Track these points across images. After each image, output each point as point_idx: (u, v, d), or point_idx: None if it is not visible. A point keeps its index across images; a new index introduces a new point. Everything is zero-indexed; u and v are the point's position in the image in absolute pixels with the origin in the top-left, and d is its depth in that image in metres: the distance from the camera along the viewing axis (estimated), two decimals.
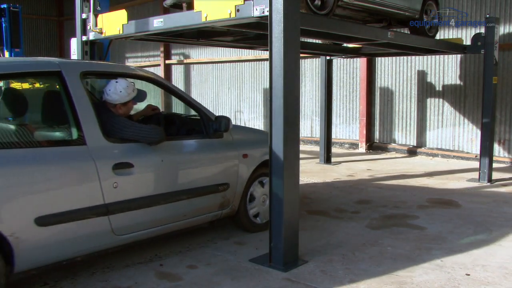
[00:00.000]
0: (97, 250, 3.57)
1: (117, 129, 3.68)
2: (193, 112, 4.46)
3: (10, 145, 3.16)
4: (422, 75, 9.67)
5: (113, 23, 5.30)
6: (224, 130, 4.23)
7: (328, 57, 9.17)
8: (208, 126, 4.26)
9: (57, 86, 3.53)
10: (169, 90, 4.38)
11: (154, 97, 11.33)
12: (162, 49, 14.35)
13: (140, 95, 4.10)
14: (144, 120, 4.39)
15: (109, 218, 3.47)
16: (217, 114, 4.38)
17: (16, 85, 3.95)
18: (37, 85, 4.26)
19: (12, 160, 3.05)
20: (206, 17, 4.30)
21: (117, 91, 3.85)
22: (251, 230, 4.68)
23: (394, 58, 9.88)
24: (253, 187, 4.63)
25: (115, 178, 3.48)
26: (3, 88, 3.82)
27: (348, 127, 10.83)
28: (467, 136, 9.14)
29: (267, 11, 3.70)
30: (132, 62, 15.45)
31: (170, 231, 4.07)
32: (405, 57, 9.69)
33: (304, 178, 7.28)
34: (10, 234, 2.95)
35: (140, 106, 4.45)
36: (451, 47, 7.32)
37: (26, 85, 3.97)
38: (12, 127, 3.50)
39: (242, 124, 12.14)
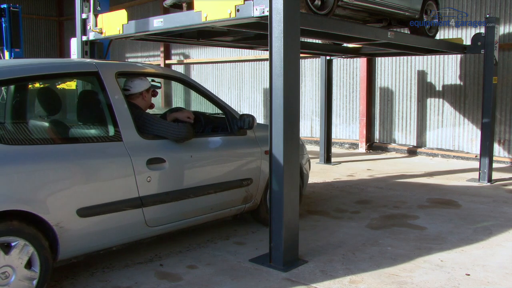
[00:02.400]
0: (131, 240, 3.81)
1: (147, 125, 3.86)
2: (216, 110, 4.65)
3: (54, 141, 3.43)
4: (422, 75, 9.67)
5: (113, 23, 5.30)
6: (249, 127, 4.41)
7: (328, 57, 9.17)
8: (233, 124, 4.46)
9: (95, 86, 3.75)
10: (196, 89, 4.53)
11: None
12: (162, 49, 14.36)
13: (155, 85, 4.33)
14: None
15: (143, 210, 3.66)
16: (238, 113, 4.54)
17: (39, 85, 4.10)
18: (62, 85, 4.41)
19: (56, 155, 3.27)
20: (206, 17, 4.30)
21: (133, 83, 4.04)
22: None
23: (394, 58, 9.88)
24: None
25: (148, 172, 3.68)
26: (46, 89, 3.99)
27: (348, 127, 10.83)
28: (467, 136, 9.14)
29: (267, 11, 3.70)
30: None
31: (197, 223, 4.27)
32: (405, 57, 9.69)
33: None
34: (56, 224, 3.17)
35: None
36: (451, 47, 7.32)
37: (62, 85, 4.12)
38: (56, 124, 3.82)
39: None
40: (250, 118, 4.40)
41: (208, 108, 4.71)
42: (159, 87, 4.46)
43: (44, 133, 3.55)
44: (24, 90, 3.93)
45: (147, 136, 3.78)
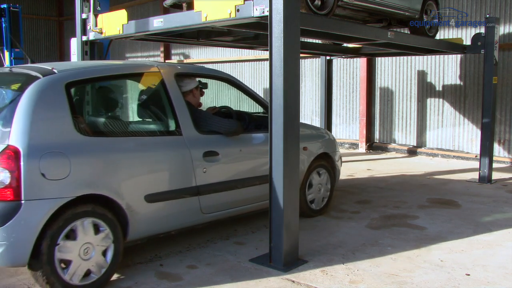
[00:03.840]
0: (187, 226, 4.14)
1: (202, 121, 4.24)
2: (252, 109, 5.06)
3: (126, 134, 3.84)
4: (422, 75, 9.67)
5: (113, 23, 5.30)
6: None
7: (328, 57, 9.18)
8: None
9: (157, 86, 4.12)
10: (243, 89, 4.84)
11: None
12: (162, 49, 14.36)
13: (204, 85, 4.74)
14: (220, 116, 4.82)
15: (199, 198, 4.04)
16: None
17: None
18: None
19: (128, 147, 3.68)
20: (206, 17, 4.31)
21: (184, 81, 4.34)
22: (308, 215, 5.16)
23: (394, 58, 9.88)
24: (312, 176, 5.15)
25: (204, 164, 4.07)
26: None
27: (348, 127, 10.83)
28: (467, 136, 9.14)
29: (267, 11, 3.70)
30: None
31: (244, 212, 4.62)
32: (405, 57, 9.69)
33: None
34: (127, 208, 3.55)
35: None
36: (451, 47, 7.32)
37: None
38: (126, 119, 4.40)
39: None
40: None
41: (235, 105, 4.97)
42: (206, 87, 4.79)
43: (117, 127, 3.97)
44: (100, 88, 4.31)
45: (202, 131, 4.16)
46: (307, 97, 11.26)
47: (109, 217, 3.45)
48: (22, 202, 3.09)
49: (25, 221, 3.08)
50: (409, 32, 6.93)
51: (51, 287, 3.20)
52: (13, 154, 3.10)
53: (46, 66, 3.71)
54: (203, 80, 4.73)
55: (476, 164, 7.73)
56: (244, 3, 3.97)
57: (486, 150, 7.15)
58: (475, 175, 7.35)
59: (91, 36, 5.58)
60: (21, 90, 3.37)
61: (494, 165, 7.56)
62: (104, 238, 3.43)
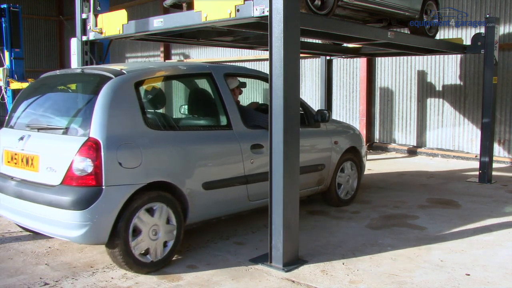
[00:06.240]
0: (235, 212, 4.57)
1: (247, 117, 4.60)
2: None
3: (186, 128, 4.31)
4: (422, 75, 9.67)
5: (113, 23, 5.30)
6: (326, 120, 5.24)
7: (328, 57, 9.17)
8: (310, 118, 5.23)
9: (210, 85, 4.50)
10: None
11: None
12: (162, 49, 14.36)
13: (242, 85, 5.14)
14: (261, 112, 5.10)
15: (247, 187, 4.42)
16: None
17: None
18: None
19: (189, 139, 4.08)
20: (206, 17, 4.31)
21: (227, 80, 4.62)
22: (338, 205, 5.66)
23: (394, 58, 9.88)
24: (341, 168, 5.64)
25: (252, 155, 4.45)
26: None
27: None
28: (467, 136, 9.14)
29: (267, 11, 3.70)
30: None
31: None
32: (405, 57, 9.69)
33: None
34: (188, 194, 3.96)
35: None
36: (451, 47, 7.32)
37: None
38: (186, 114, 4.99)
39: None
40: (327, 112, 5.24)
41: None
42: (245, 86, 5.19)
43: (179, 122, 4.55)
44: (163, 86, 4.67)
45: (248, 125, 4.52)
46: (307, 97, 11.25)
47: (173, 203, 3.85)
48: (103, 187, 3.48)
49: (106, 204, 3.48)
50: (409, 32, 6.92)
51: (126, 263, 3.60)
52: (94, 145, 3.49)
53: (115, 67, 4.08)
54: (244, 79, 5.16)
55: (476, 164, 7.73)
56: (244, 3, 3.97)
57: (486, 150, 7.15)
58: (475, 175, 7.35)
59: (91, 36, 5.58)
60: (97, 89, 3.72)
61: (494, 165, 7.55)
62: (169, 221, 3.83)
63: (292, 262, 3.85)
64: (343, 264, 3.91)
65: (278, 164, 3.74)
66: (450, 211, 5.56)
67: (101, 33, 5.43)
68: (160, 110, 4.62)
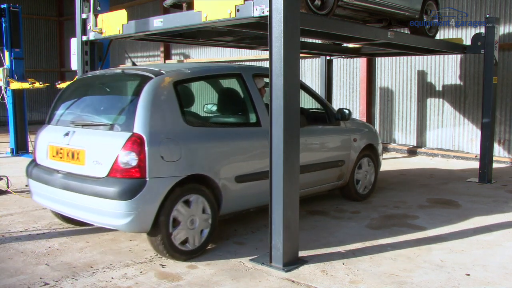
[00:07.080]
0: (262, 205, 4.44)
1: None
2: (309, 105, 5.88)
3: (219, 125, 4.69)
4: (422, 75, 9.67)
5: (113, 23, 5.30)
6: (346, 119, 5.58)
7: (328, 57, 9.17)
8: (331, 116, 5.59)
9: (240, 84, 4.73)
10: (304, 88, 5.43)
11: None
12: (162, 49, 14.36)
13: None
14: None
15: None
16: None
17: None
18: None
19: (221, 135, 4.35)
20: (206, 17, 4.31)
21: (255, 80, 4.81)
22: (357, 199, 5.94)
23: (394, 58, 9.88)
24: (359, 164, 5.90)
25: None
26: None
27: None
28: (467, 136, 9.14)
29: (267, 11, 3.70)
30: None
31: (308, 194, 5.28)
32: (405, 57, 9.69)
33: None
34: (222, 186, 4.19)
35: None
36: (451, 47, 7.32)
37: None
38: (219, 112, 5.24)
39: None
40: (347, 111, 5.54)
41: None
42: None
43: (214, 119, 5.00)
44: (199, 85, 4.99)
45: None
46: (307, 96, 11.24)
47: (208, 195, 4.09)
48: (147, 179, 3.72)
49: (149, 195, 3.72)
50: (409, 32, 6.92)
51: (166, 250, 3.85)
52: (138, 140, 3.73)
53: (154, 68, 4.28)
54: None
55: (476, 164, 7.73)
56: (244, 3, 3.97)
57: (486, 150, 7.15)
58: (475, 175, 7.34)
59: (91, 36, 5.58)
60: (139, 88, 3.95)
61: (494, 165, 7.55)
62: (204, 212, 4.07)
63: (292, 262, 3.85)
64: (343, 264, 3.91)
65: (278, 164, 3.74)
66: (450, 211, 5.56)
67: (101, 33, 5.43)
68: (200, 108, 4.99)
